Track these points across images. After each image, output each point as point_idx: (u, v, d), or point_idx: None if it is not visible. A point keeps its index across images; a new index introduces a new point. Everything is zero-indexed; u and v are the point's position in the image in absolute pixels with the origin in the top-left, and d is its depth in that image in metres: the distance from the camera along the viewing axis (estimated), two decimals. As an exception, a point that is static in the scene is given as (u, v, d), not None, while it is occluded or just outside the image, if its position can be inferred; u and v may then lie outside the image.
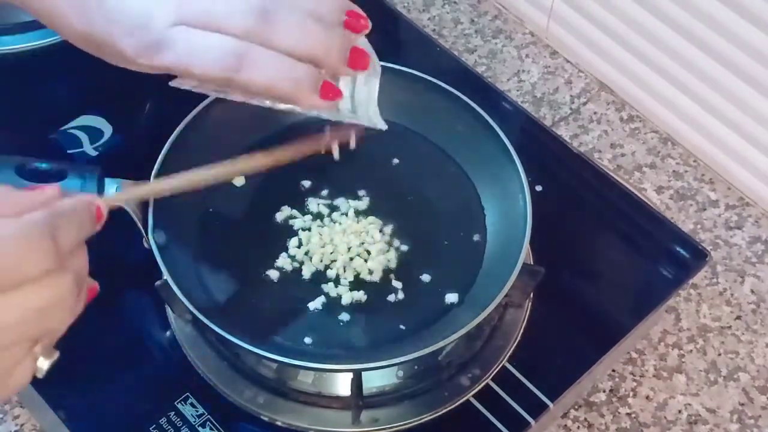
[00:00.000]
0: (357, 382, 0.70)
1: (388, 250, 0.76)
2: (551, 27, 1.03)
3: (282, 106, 0.63)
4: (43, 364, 0.46)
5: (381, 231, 0.77)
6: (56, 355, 0.47)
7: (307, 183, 0.79)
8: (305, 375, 0.73)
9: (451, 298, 0.73)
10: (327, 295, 0.73)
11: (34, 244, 0.44)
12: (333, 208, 0.78)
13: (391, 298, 0.73)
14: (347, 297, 0.73)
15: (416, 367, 0.73)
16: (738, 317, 0.85)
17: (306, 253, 0.75)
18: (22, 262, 0.43)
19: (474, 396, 0.73)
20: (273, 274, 0.74)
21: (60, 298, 0.45)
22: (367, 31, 0.61)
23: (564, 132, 0.97)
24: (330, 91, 0.59)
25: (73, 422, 0.70)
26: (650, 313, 0.78)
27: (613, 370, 0.82)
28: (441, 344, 0.67)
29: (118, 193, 0.68)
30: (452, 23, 1.06)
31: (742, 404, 0.81)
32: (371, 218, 0.77)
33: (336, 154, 0.70)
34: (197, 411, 0.71)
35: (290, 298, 0.73)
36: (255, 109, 0.81)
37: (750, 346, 0.84)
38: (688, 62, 0.91)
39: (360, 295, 0.73)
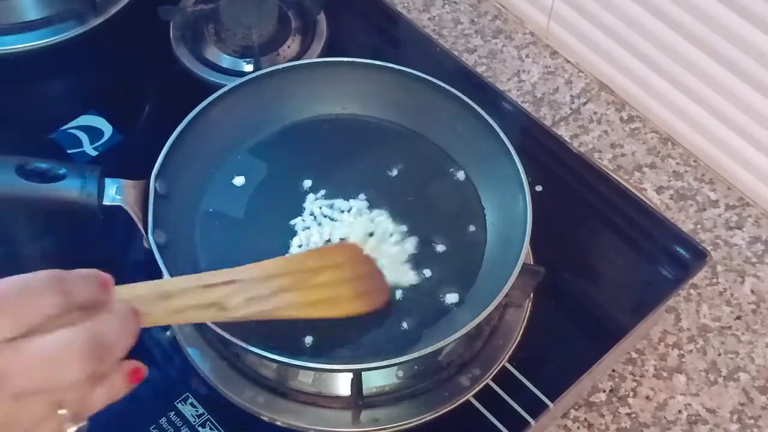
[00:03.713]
0: (357, 382, 0.70)
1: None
2: (551, 27, 1.03)
3: None
4: (69, 427, 0.46)
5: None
6: (84, 424, 0.47)
7: (307, 183, 0.79)
8: (305, 375, 0.73)
9: (451, 298, 0.73)
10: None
11: (39, 288, 0.45)
12: (333, 208, 0.78)
13: (391, 298, 0.73)
14: None
15: (416, 367, 0.73)
16: (738, 317, 0.85)
17: (306, 253, 0.75)
18: (26, 305, 0.44)
19: (474, 396, 0.73)
20: (273, 274, 0.74)
21: (68, 349, 0.45)
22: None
23: (564, 132, 0.97)
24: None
25: (73, 422, 0.70)
26: (650, 313, 0.78)
27: (613, 370, 0.82)
28: (441, 344, 0.67)
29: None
30: (452, 23, 1.06)
31: (742, 404, 0.81)
32: (375, 211, 0.77)
33: None
34: (197, 411, 0.71)
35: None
36: (254, 109, 0.81)
37: (750, 346, 0.84)
38: (688, 62, 0.91)
39: None
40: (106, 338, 0.47)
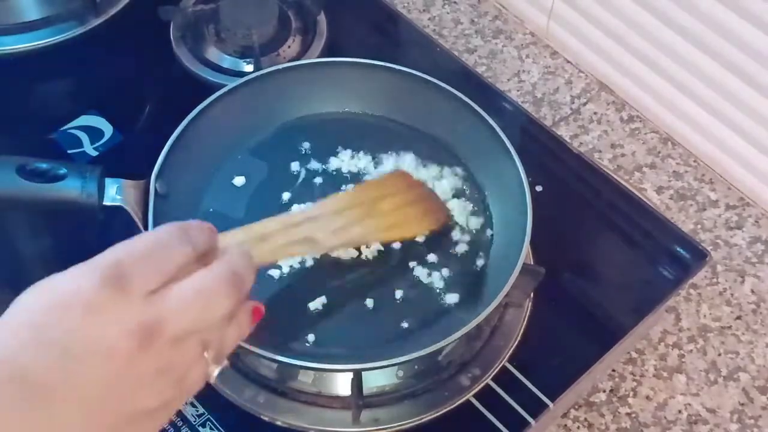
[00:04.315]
0: (357, 382, 0.70)
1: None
2: (551, 27, 1.03)
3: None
4: (214, 369, 0.49)
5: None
6: (225, 363, 0.50)
7: (308, 182, 0.79)
8: (305, 375, 0.73)
9: (451, 298, 0.73)
10: (327, 294, 0.73)
11: (171, 240, 0.48)
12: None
13: (392, 298, 0.73)
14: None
15: (416, 367, 0.73)
16: (738, 317, 0.85)
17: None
18: (163, 257, 0.47)
19: (474, 396, 0.73)
20: (273, 274, 0.74)
21: (212, 285, 0.48)
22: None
23: (564, 132, 0.97)
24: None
25: (73, 422, 0.70)
26: (650, 313, 0.78)
27: (613, 370, 0.82)
28: (441, 344, 0.67)
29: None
30: (452, 23, 1.06)
31: (742, 404, 0.81)
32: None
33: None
34: (197, 411, 0.71)
35: (290, 298, 0.73)
36: (254, 109, 0.81)
37: (750, 346, 0.84)
38: (688, 62, 0.91)
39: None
40: (239, 271, 0.50)
